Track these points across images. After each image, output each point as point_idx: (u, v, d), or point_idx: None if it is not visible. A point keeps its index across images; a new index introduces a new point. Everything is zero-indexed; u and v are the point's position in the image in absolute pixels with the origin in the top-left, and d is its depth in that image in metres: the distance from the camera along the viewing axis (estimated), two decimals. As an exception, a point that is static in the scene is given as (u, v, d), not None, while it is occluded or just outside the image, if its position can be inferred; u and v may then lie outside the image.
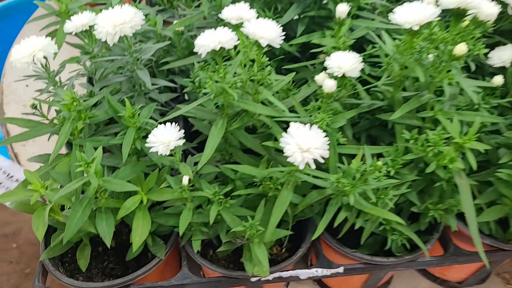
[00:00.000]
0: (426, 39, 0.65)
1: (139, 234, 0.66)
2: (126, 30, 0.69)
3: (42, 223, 0.64)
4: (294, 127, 0.58)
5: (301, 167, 0.57)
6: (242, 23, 0.70)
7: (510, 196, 0.70)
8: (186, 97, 1.00)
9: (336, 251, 0.75)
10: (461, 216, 0.73)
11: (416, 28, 0.59)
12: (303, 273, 0.73)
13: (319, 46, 0.83)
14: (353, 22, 0.84)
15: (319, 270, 0.74)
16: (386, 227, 0.71)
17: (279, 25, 0.64)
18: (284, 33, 0.64)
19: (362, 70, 0.71)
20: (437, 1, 0.64)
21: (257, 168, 0.69)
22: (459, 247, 0.78)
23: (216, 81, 0.64)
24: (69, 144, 0.81)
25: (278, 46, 0.63)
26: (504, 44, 0.83)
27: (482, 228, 0.76)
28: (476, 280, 0.93)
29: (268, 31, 0.62)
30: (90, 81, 0.93)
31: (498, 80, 0.76)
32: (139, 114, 0.70)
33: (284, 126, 0.68)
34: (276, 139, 0.71)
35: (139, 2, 1.08)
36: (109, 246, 0.64)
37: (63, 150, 0.86)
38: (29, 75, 0.76)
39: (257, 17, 0.67)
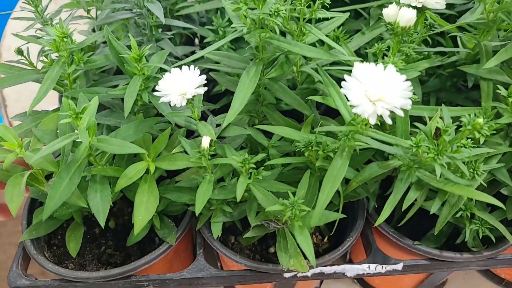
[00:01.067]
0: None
1: (143, 213, 0.51)
2: None
3: (17, 193, 0.48)
4: (360, 67, 0.42)
5: (372, 121, 0.40)
6: None
7: None
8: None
9: (394, 243, 0.59)
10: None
11: None
12: (351, 269, 0.57)
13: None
14: None
15: (372, 266, 0.57)
16: (465, 213, 0.54)
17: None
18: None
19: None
20: None
21: (299, 132, 0.53)
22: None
23: (252, 9, 0.47)
24: (61, 98, 0.65)
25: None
26: None
27: None
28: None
29: None
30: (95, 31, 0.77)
31: None
32: (147, 59, 0.54)
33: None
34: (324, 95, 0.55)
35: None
36: (103, 226, 0.49)
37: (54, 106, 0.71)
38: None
39: None
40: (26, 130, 0.56)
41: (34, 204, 0.62)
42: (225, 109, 0.73)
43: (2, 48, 1.45)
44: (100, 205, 0.49)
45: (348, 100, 0.40)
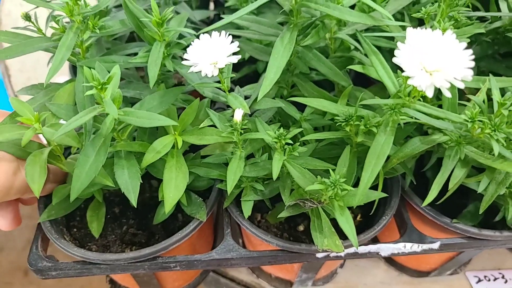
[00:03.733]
0: None
1: (173, 190, 0.47)
2: None
3: (39, 172, 0.45)
4: (415, 32, 0.38)
5: (430, 94, 0.37)
6: None
7: None
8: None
9: (429, 221, 0.56)
10: None
11: None
12: (386, 248, 0.55)
13: None
14: None
15: (408, 245, 0.55)
16: (508, 190, 0.51)
17: None
18: None
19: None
20: None
21: (336, 104, 0.49)
22: None
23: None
24: (73, 69, 0.61)
25: None
26: None
27: None
28: None
29: None
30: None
31: None
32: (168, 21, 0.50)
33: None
34: (361, 64, 0.51)
35: None
36: (135, 205, 0.46)
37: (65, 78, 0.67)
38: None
39: None
40: (39, 104, 0.51)
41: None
42: (246, 79, 0.69)
43: (1, 13, 1.37)
44: (129, 183, 0.46)
45: (403, 71, 0.37)
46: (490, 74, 0.50)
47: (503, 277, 0.74)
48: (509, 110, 0.41)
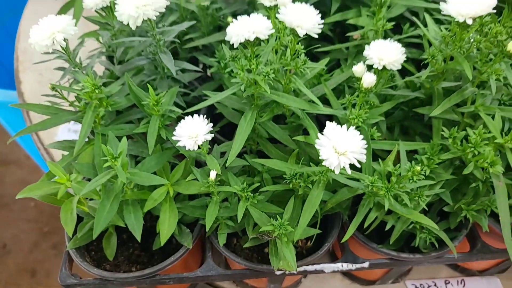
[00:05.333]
0: (477, 31, 0.60)
1: (166, 227, 0.66)
2: (150, 13, 0.64)
3: (70, 218, 0.63)
4: (330, 127, 0.55)
5: (337, 171, 0.54)
6: (276, 5, 0.65)
7: (548, 197, 0.67)
8: (209, 73, 0.95)
9: (362, 245, 0.74)
10: (491, 213, 0.71)
11: (470, 22, 0.54)
12: (328, 267, 0.73)
13: (353, 25, 0.78)
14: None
15: (344, 264, 0.73)
16: (416, 225, 0.69)
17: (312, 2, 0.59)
18: (319, 14, 0.59)
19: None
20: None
21: (286, 163, 0.67)
22: (487, 243, 0.77)
23: (248, 71, 0.60)
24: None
25: (316, 36, 0.59)
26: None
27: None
28: (498, 269, 0.93)
29: (306, 20, 0.57)
30: (110, 58, 0.89)
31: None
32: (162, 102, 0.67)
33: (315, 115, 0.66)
34: (306, 132, 0.68)
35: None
36: (139, 240, 0.64)
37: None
38: (47, 54, 0.72)
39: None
40: (67, 163, 0.69)
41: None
42: (226, 129, 0.86)
43: (18, 51, 1.54)
44: (135, 224, 0.64)
45: (319, 155, 0.54)
46: (411, 130, 0.68)
47: (435, 285, 0.92)
48: (399, 174, 0.59)
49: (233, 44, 0.58)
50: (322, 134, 0.55)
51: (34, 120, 1.27)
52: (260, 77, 0.59)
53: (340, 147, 0.53)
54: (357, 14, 0.83)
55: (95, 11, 0.76)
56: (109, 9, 0.76)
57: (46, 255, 2.24)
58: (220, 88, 0.90)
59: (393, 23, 0.75)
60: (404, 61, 0.69)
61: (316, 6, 0.62)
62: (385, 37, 0.75)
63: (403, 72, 0.74)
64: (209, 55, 0.93)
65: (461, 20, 0.54)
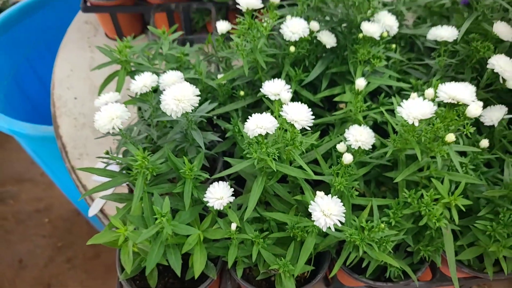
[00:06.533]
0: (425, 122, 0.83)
1: (198, 264, 0.88)
2: (187, 107, 0.87)
3: (128, 259, 0.85)
4: (319, 197, 0.78)
5: (324, 229, 0.77)
6: (279, 99, 0.88)
7: (484, 241, 0.89)
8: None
9: (347, 275, 0.96)
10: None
11: (416, 123, 0.77)
12: (321, 293, 0.95)
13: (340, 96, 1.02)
14: (369, 79, 1.02)
15: (333, 290, 0.95)
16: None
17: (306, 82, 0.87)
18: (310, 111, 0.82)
19: (375, 119, 0.91)
20: (436, 94, 0.81)
21: (287, 215, 0.89)
22: (444, 273, 0.99)
23: (260, 153, 0.83)
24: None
25: (308, 128, 0.81)
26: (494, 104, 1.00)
27: (463, 260, 0.97)
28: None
29: (301, 117, 0.80)
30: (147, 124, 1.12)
31: (484, 143, 0.94)
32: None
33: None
34: (303, 192, 0.91)
35: (175, 31, 1.23)
36: (179, 275, 0.85)
37: (124, 187, 1.08)
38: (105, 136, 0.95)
39: (289, 86, 0.86)
40: (123, 215, 0.92)
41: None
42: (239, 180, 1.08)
43: (54, 97, 1.77)
44: (175, 263, 0.86)
45: (312, 217, 0.77)
46: (386, 184, 0.91)
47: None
48: (373, 226, 0.81)
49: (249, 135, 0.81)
50: (314, 201, 0.78)
51: (71, 156, 1.50)
52: (268, 157, 0.82)
53: (326, 211, 0.76)
54: (342, 90, 1.06)
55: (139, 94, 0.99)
56: (150, 92, 0.99)
57: (61, 269, 2.43)
58: (233, 145, 1.13)
59: (368, 103, 0.99)
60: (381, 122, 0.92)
61: (311, 83, 0.84)
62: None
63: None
64: (221, 118, 1.16)
65: (410, 122, 0.77)
